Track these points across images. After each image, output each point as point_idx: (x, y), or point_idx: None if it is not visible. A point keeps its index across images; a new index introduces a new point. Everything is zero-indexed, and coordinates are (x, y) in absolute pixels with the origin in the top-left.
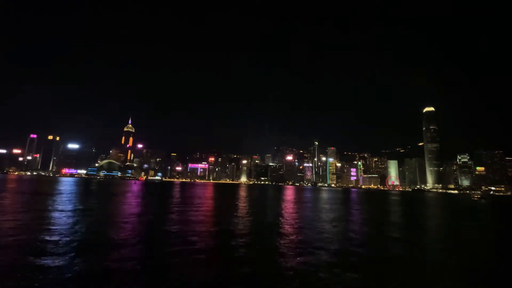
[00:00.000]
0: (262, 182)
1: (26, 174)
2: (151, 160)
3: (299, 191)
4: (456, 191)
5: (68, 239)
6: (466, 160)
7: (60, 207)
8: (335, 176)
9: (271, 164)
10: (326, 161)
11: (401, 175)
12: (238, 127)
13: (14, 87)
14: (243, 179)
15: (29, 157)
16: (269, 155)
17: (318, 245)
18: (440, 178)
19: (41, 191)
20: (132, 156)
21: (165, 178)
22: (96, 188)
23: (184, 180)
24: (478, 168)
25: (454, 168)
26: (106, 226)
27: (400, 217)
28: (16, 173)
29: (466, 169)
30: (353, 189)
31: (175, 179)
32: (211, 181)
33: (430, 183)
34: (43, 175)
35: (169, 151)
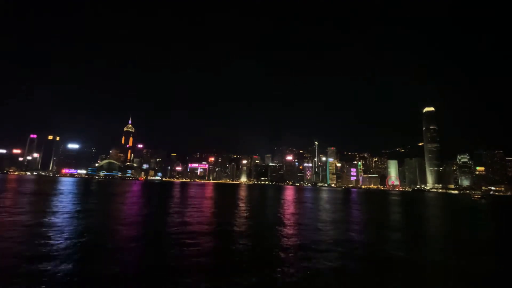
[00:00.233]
0: (262, 182)
1: (26, 174)
2: (151, 160)
3: (299, 191)
4: (456, 191)
5: (66, 241)
6: (466, 160)
7: (59, 208)
8: (335, 176)
9: (271, 164)
10: (326, 161)
11: (401, 175)
12: (238, 127)
13: (14, 87)
14: (243, 179)
15: (29, 157)
16: (269, 155)
17: (320, 247)
18: (440, 178)
19: (41, 192)
20: (132, 156)
21: (165, 178)
22: (96, 188)
23: (184, 180)
24: (478, 168)
25: (454, 168)
26: (105, 228)
27: (401, 218)
28: (16, 173)
29: (466, 169)
30: (353, 189)
31: (175, 179)
32: (211, 181)
33: (430, 183)
34: (43, 175)
35: (169, 151)
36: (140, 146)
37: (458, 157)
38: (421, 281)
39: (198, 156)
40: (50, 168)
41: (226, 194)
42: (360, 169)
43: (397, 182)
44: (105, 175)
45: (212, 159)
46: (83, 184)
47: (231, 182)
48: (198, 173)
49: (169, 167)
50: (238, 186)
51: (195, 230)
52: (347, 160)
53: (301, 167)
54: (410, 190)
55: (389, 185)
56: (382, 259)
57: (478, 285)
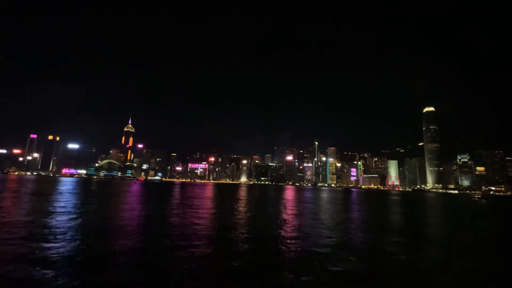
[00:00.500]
0: (262, 182)
1: (26, 174)
2: (151, 160)
3: (299, 191)
4: (456, 191)
5: (64, 245)
6: (466, 160)
7: (59, 209)
8: (335, 176)
9: (271, 164)
10: (326, 161)
11: (401, 175)
12: (238, 127)
13: (14, 87)
14: (243, 179)
15: (29, 157)
16: (269, 155)
17: (321, 250)
18: (440, 178)
19: (41, 192)
20: (132, 156)
21: (165, 178)
22: (96, 188)
23: (184, 180)
24: (478, 168)
25: (454, 168)
26: (104, 230)
27: (402, 219)
28: (16, 173)
29: (466, 169)
30: (353, 189)
31: (175, 179)
32: (211, 181)
33: (430, 183)
34: (43, 175)
35: (169, 151)
36: (140, 146)
37: (458, 157)
38: (422, 282)
39: (198, 156)
40: (50, 168)
41: (226, 194)
42: (360, 169)
43: (397, 182)
44: (105, 175)
45: (212, 159)
46: (83, 184)
47: (231, 182)
48: (198, 173)
49: (169, 167)
50: (238, 186)
51: (195, 233)
52: (347, 160)
53: (301, 167)
54: (410, 190)
55: (389, 185)
56: (384, 262)
57: (478, 286)
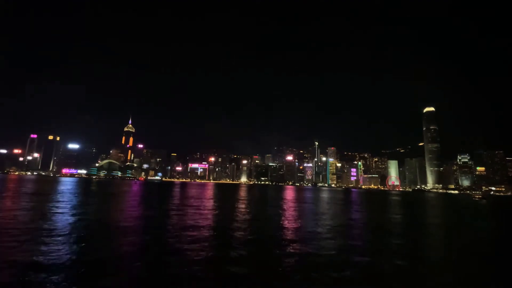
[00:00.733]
0: (262, 182)
1: (26, 174)
2: (151, 160)
3: (299, 191)
4: (456, 191)
5: (62, 248)
6: (467, 160)
7: (58, 210)
8: (335, 176)
9: (271, 164)
10: (326, 161)
11: (401, 175)
12: (238, 127)
13: (14, 87)
14: (243, 179)
15: (29, 157)
16: (269, 155)
17: (322, 253)
18: (440, 178)
19: (41, 192)
20: (132, 156)
21: (165, 178)
22: (96, 188)
23: (184, 180)
24: (478, 168)
25: (455, 168)
26: (103, 232)
27: (402, 220)
28: (17, 173)
29: (466, 169)
30: (353, 189)
31: (175, 179)
32: (211, 181)
33: (430, 183)
34: (43, 175)
35: (169, 151)
36: (140, 146)
37: (459, 157)
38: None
39: (198, 156)
40: (51, 168)
41: (227, 194)
42: (360, 169)
43: (397, 182)
44: (105, 175)
45: (212, 159)
46: (83, 184)
47: (231, 182)
48: (198, 173)
49: (169, 167)
50: (238, 186)
51: (195, 234)
52: (347, 160)
53: (301, 167)
54: (410, 190)
55: (389, 185)
56: (384, 263)
57: (478, 286)
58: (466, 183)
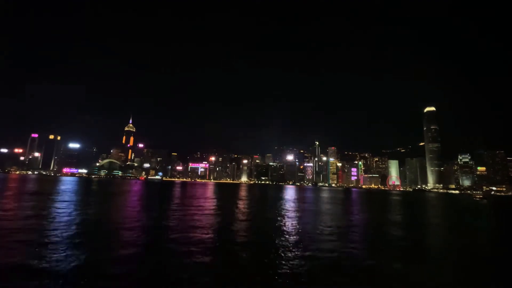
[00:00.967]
0: (263, 182)
1: (27, 173)
2: (152, 160)
3: (300, 191)
4: (457, 191)
5: (62, 249)
6: (467, 160)
7: (58, 210)
8: (335, 176)
9: (271, 163)
10: (326, 161)
11: (402, 175)
12: (238, 126)
13: (14, 87)
14: (244, 178)
15: (30, 157)
16: (270, 154)
17: (324, 255)
18: (441, 178)
19: (42, 191)
20: (133, 155)
21: (166, 178)
22: (96, 188)
23: (184, 179)
24: (479, 168)
25: (455, 168)
26: (103, 233)
27: (404, 222)
28: (18, 172)
29: (467, 169)
30: (354, 189)
31: (176, 179)
32: (212, 180)
33: (431, 183)
34: (44, 174)
35: (169, 150)
36: (140, 145)
37: (459, 157)
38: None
39: (198, 155)
40: (51, 167)
41: (227, 194)
42: (361, 169)
43: (397, 182)
44: (106, 175)
45: (213, 158)
46: (84, 184)
47: (231, 181)
48: (199, 173)
49: (169, 167)
50: (238, 186)
51: (195, 236)
52: (347, 160)
53: (301, 167)
54: (410, 190)
55: (389, 185)
56: (385, 267)
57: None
58: (467, 183)
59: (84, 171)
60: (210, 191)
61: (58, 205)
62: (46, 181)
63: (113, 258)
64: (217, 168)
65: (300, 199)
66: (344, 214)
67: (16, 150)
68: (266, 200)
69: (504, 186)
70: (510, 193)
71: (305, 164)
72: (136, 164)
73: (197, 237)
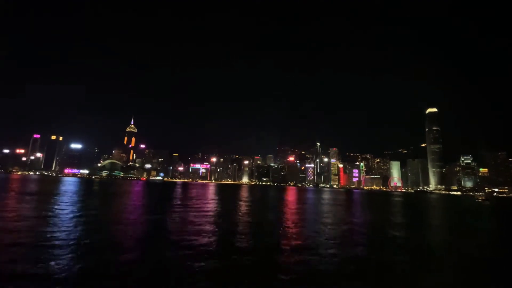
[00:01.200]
0: (264, 183)
1: (29, 174)
2: (153, 160)
3: (301, 192)
4: (459, 193)
5: (61, 250)
6: (469, 161)
7: (58, 211)
8: (337, 177)
9: (272, 164)
10: (328, 162)
11: (404, 176)
12: (239, 127)
13: (16, 87)
14: (245, 179)
15: (32, 157)
16: (271, 155)
17: (325, 257)
18: (443, 180)
19: (44, 192)
20: (134, 156)
21: (167, 178)
22: (98, 188)
23: (185, 180)
24: (481, 169)
25: (457, 169)
26: (103, 234)
27: (406, 223)
28: (19, 172)
29: (469, 171)
30: (355, 190)
31: (177, 180)
32: (213, 181)
33: (433, 184)
34: (46, 175)
35: (171, 151)
36: (142, 146)
37: (461, 158)
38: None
39: (199, 156)
40: (53, 168)
41: (228, 195)
42: (363, 170)
43: (399, 183)
44: (108, 175)
45: (214, 159)
46: (86, 184)
47: (232, 182)
48: (200, 174)
49: (171, 167)
50: (240, 186)
51: (196, 238)
52: (349, 161)
53: (303, 168)
54: (412, 191)
55: (391, 186)
56: (384, 267)
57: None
58: (469, 184)
59: (85, 171)
60: (211, 192)
61: (59, 205)
62: (48, 182)
63: (113, 258)
64: (218, 169)
65: (302, 200)
66: (346, 216)
67: (18, 151)
68: (267, 202)
69: (506, 187)
70: None
71: (306, 165)
72: (137, 165)
73: (197, 238)
